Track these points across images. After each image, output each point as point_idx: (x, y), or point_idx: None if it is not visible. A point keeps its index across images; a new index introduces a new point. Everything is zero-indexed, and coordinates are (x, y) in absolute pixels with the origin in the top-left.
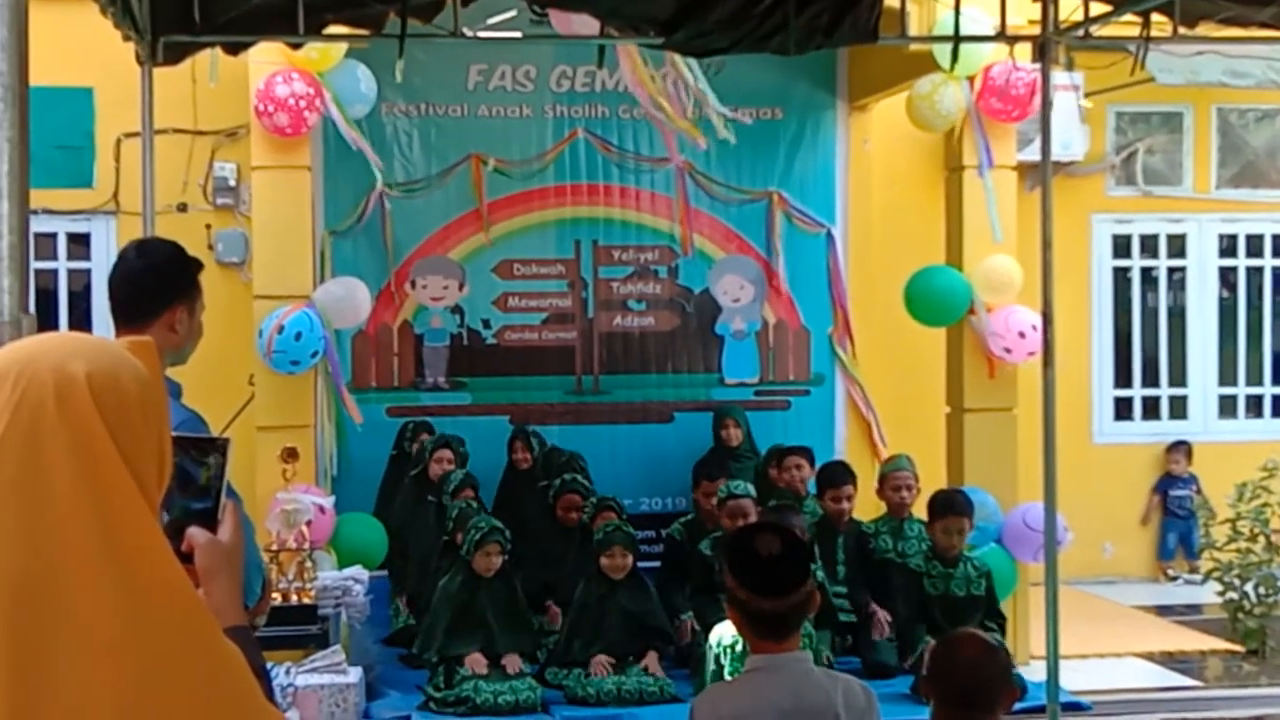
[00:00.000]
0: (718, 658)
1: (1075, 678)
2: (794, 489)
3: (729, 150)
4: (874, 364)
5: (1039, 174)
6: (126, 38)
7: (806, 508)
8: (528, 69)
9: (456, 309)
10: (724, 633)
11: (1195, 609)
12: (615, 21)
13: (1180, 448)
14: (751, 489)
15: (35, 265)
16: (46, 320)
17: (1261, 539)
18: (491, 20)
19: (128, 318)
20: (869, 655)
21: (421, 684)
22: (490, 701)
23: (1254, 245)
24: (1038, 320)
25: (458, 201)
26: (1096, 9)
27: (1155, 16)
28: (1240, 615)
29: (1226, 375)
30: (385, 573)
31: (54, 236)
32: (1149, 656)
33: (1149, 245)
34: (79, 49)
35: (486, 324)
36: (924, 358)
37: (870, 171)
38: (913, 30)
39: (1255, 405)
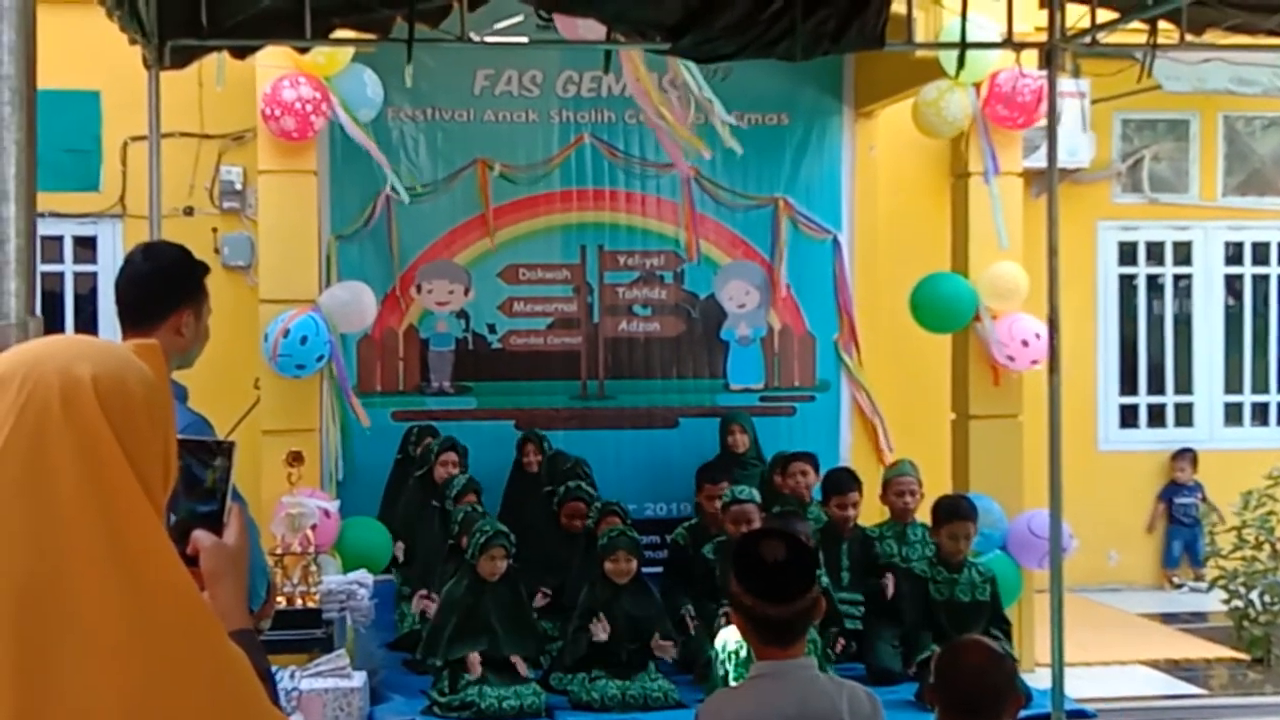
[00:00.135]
0: (723, 663)
1: (1080, 685)
2: (799, 495)
3: (735, 156)
4: (879, 370)
5: (1045, 181)
6: (133, 41)
7: (810, 514)
8: (534, 74)
9: (462, 313)
10: (729, 638)
11: (1200, 617)
12: (621, 27)
13: (1185, 455)
14: (756, 494)
15: (42, 268)
16: (53, 323)
17: (1267, 547)
18: (498, 25)
19: (134, 321)
20: (873, 661)
21: (426, 688)
22: (494, 706)
23: (1260, 253)
24: (1041, 329)
25: (464, 206)
26: (1103, 16)
27: (1162, 24)
28: (1245, 623)
29: (1232, 383)
30: (390, 576)
31: (60, 239)
32: (1154, 664)
33: (1155, 252)
34: (86, 53)
35: (492, 329)
36: (929, 364)
37: (876, 178)
38: (919, 37)
39: (1261, 413)
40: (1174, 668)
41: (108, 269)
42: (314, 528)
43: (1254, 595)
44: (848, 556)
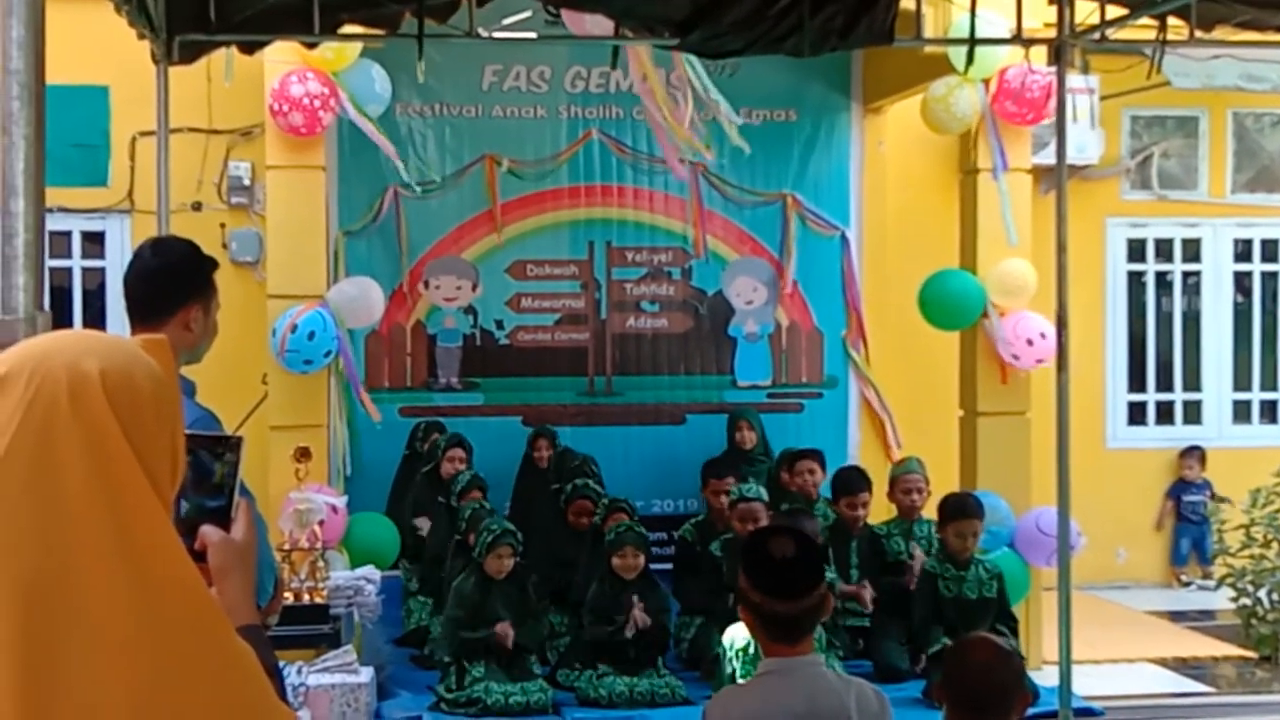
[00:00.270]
0: (730, 660)
1: (1088, 683)
2: (805, 493)
3: (743, 152)
4: (888, 367)
5: (1054, 177)
6: (142, 36)
7: (817, 511)
8: (542, 70)
9: (470, 309)
10: (736, 635)
11: (1208, 615)
12: (630, 22)
13: (1194, 453)
14: (763, 492)
15: (50, 263)
16: (61, 318)
17: (1275, 545)
18: (506, 20)
19: (143, 316)
20: (881, 659)
21: (433, 684)
22: (501, 702)
23: (1269, 250)
24: (1047, 328)
25: (472, 202)
26: (1113, 12)
27: (1171, 20)
28: (1254, 621)
29: (1241, 380)
30: (397, 572)
31: (69, 234)
32: (1162, 662)
33: (1164, 249)
34: (95, 48)
35: (499, 324)
36: (938, 361)
37: (885, 174)
38: (928, 32)
39: (1269, 410)
40: (1182, 666)
41: (116, 264)
42: (321, 523)
43: (1262, 593)
44: (857, 555)
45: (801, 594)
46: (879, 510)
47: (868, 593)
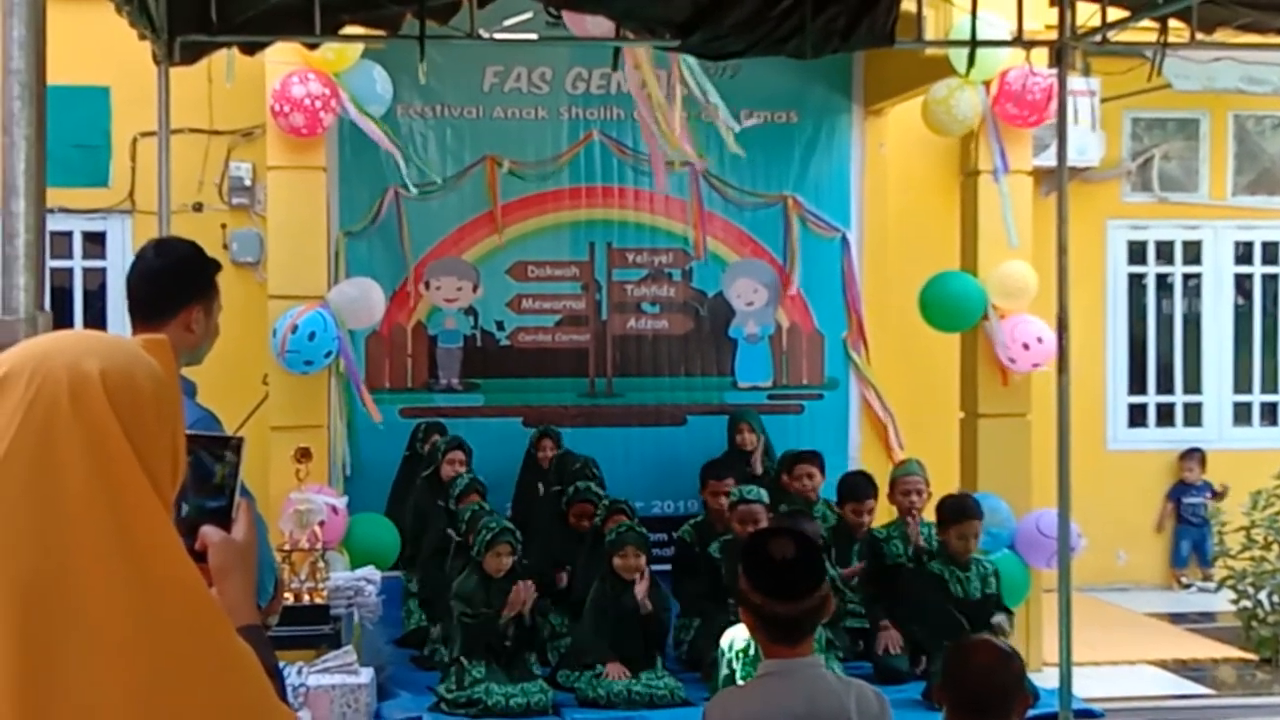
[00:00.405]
0: (730, 661)
1: (1088, 685)
2: (805, 497)
3: (744, 154)
4: (888, 369)
5: (1055, 179)
6: (143, 37)
7: (816, 513)
8: (543, 71)
9: (470, 310)
10: (736, 636)
11: (1209, 617)
12: (630, 24)
13: (1193, 455)
14: (764, 494)
15: (51, 263)
16: (62, 319)
17: (1275, 547)
18: (508, 22)
19: (144, 316)
20: (881, 660)
21: (433, 685)
22: (501, 703)
23: (1269, 252)
24: (1044, 332)
25: (472, 203)
26: (1114, 14)
27: (1173, 22)
28: (1254, 623)
29: (1241, 382)
30: (397, 573)
31: (70, 235)
32: (1162, 664)
33: (1164, 251)
34: (96, 48)
35: (500, 326)
36: (938, 363)
37: (885, 176)
38: (929, 34)
39: (1270, 413)
40: (1182, 668)
41: (117, 264)
42: (322, 524)
43: (1262, 595)
44: (858, 558)
45: (802, 595)
46: (880, 512)
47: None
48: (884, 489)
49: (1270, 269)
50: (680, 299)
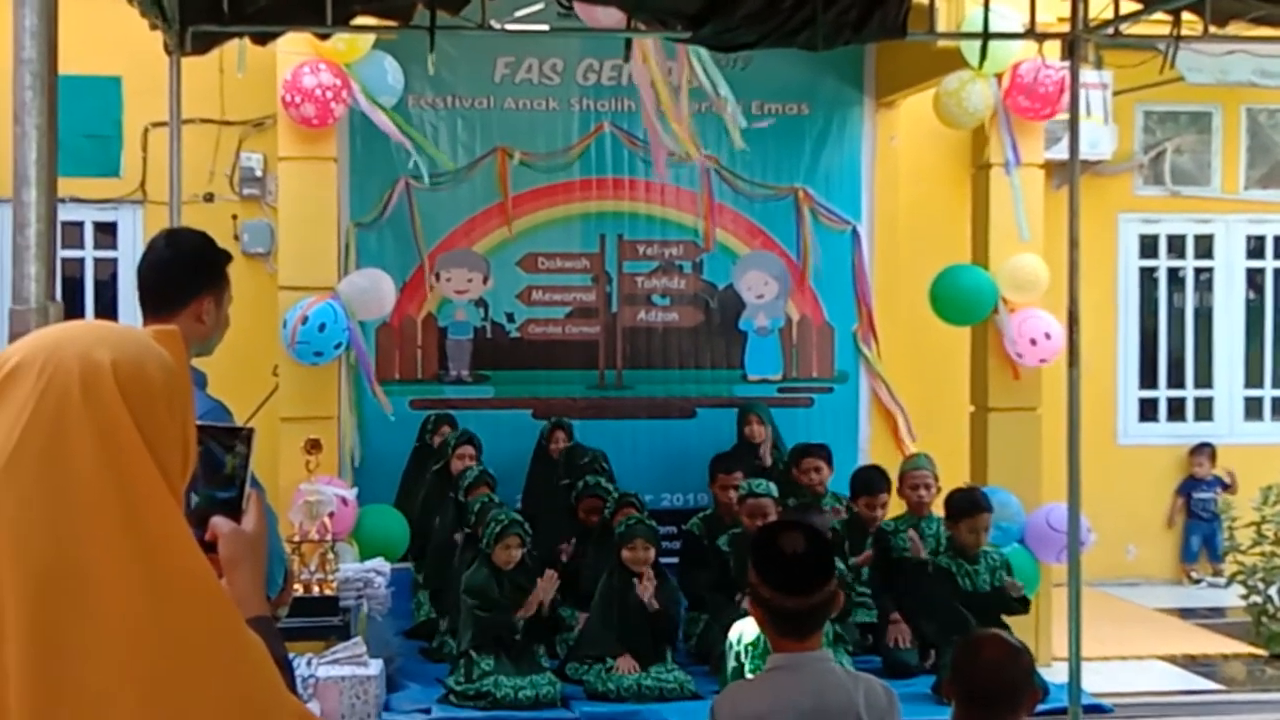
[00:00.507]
0: (738, 655)
1: (1097, 680)
2: (812, 490)
3: (755, 146)
4: (898, 362)
5: (1066, 172)
6: (154, 27)
7: (824, 505)
8: (554, 62)
9: (480, 302)
10: (744, 630)
11: (1218, 612)
12: (642, 15)
13: (1204, 450)
14: (773, 488)
15: (62, 253)
16: (73, 308)
17: None
18: (519, 13)
19: (155, 307)
20: (890, 654)
21: (442, 677)
22: (510, 696)
23: None
24: (1051, 327)
25: (483, 194)
26: (1127, 7)
27: (1185, 15)
28: (1264, 619)
29: (1253, 377)
30: (407, 565)
31: (81, 225)
32: (1171, 659)
33: (1176, 245)
34: (108, 38)
35: (510, 317)
36: (948, 356)
37: (896, 168)
38: (941, 27)
39: None
40: (1191, 663)
41: (128, 254)
42: (331, 515)
43: (1272, 591)
44: (871, 550)
45: (811, 590)
46: (890, 506)
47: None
48: (894, 483)
49: None
50: (690, 291)
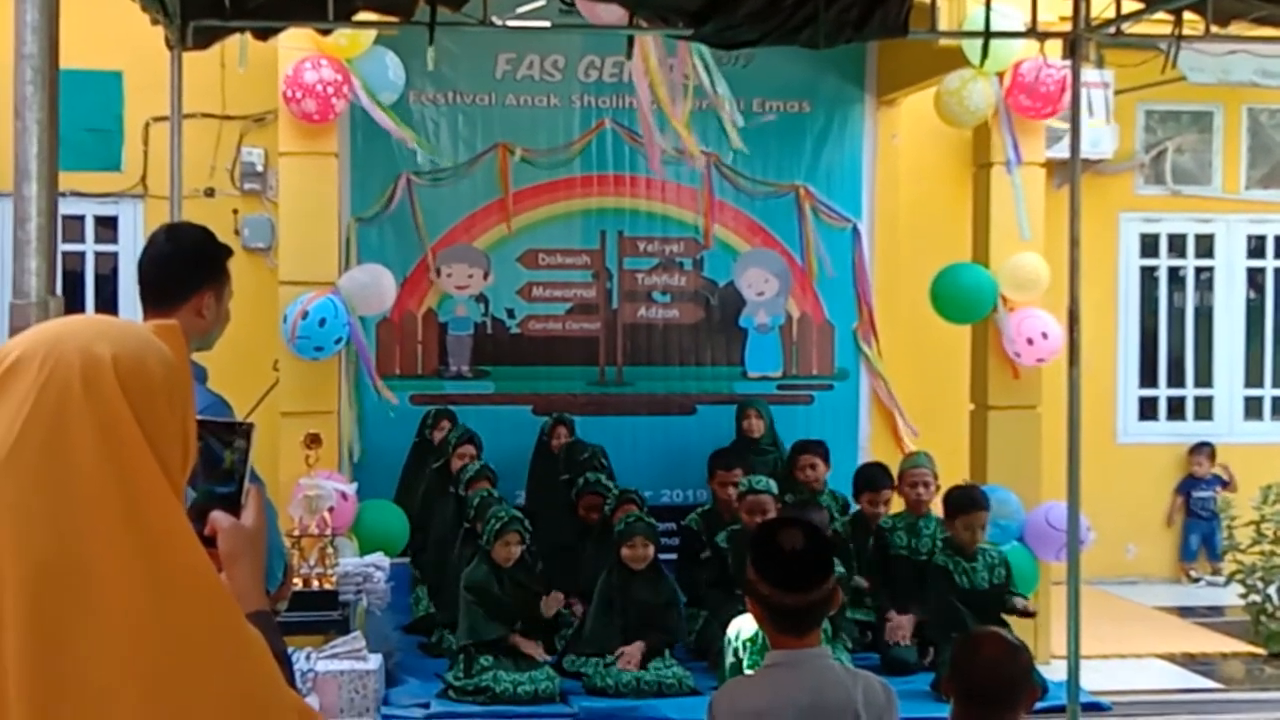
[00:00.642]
0: (736, 651)
1: (1096, 678)
2: (809, 487)
3: (756, 143)
4: (898, 360)
5: (1067, 171)
6: (156, 22)
7: (821, 503)
8: (556, 59)
9: (481, 298)
10: (743, 626)
11: (1217, 611)
12: (643, 12)
13: (1203, 449)
14: (773, 485)
15: (63, 247)
16: (73, 302)
17: None
18: (520, 9)
19: (155, 301)
20: (888, 651)
21: (441, 672)
22: (509, 691)
23: None
24: (1049, 326)
25: (484, 190)
26: (1128, 6)
27: (1187, 15)
28: (1263, 618)
29: (1253, 377)
30: (406, 560)
31: (82, 219)
32: (1170, 658)
33: (1177, 245)
34: (109, 32)
35: (511, 313)
36: (948, 354)
37: (897, 166)
38: (943, 25)
39: None
40: (1190, 661)
41: (128, 249)
42: (331, 510)
43: (1271, 590)
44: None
45: (810, 587)
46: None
47: (902, 627)
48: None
49: None
50: (691, 288)
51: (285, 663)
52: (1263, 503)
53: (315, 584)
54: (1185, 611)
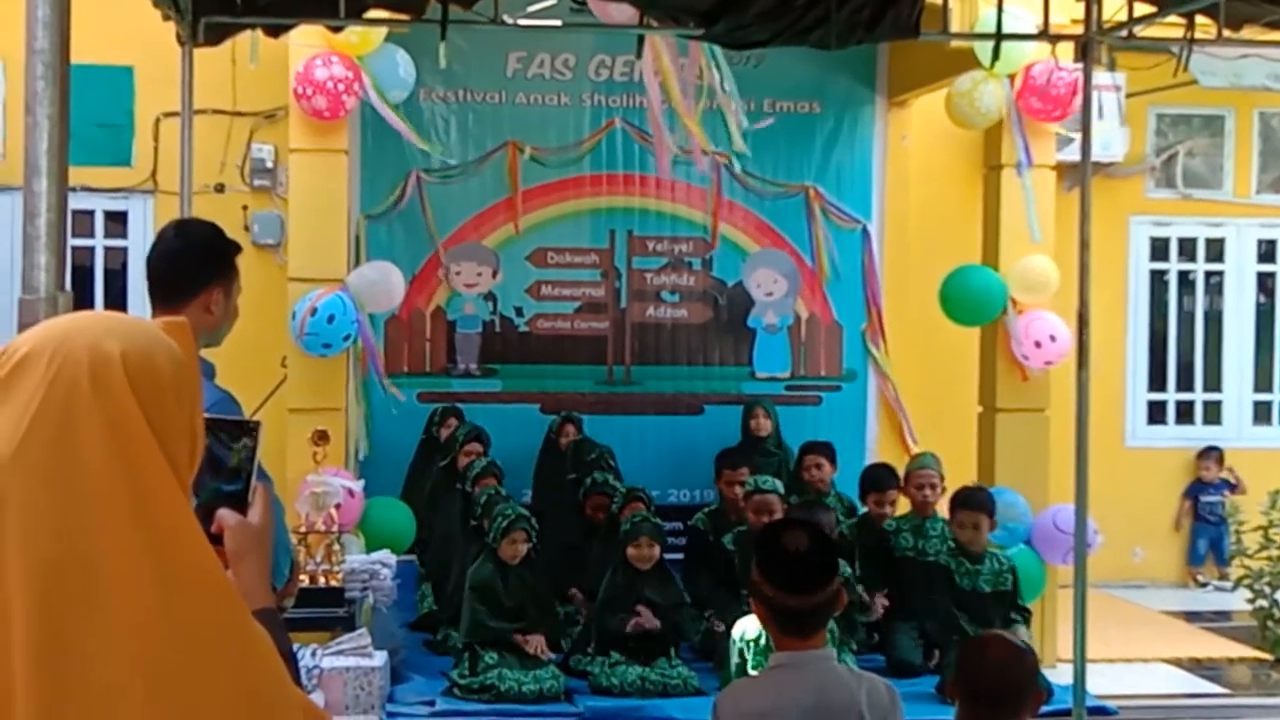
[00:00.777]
0: (741, 651)
1: (1102, 682)
2: (815, 487)
3: (766, 143)
4: (907, 361)
5: (1078, 174)
6: (167, 17)
7: (827, 504)
8: (566, 57)
9: (490, 296)
10: (747, 627)
11: (1224, 616)
12: (654, 11)
13: (1211, 454)
14: (779, 485)
15: (73, 242)
16: (83, 298)
17: None
18: (532, 8)
19: (164, 297)
20: (893, 653)
21: (446, 669)
22: (514, 689)
23: None
24: (1058, 329)
25: (493, 188)
26: (1140, 9)
27: (1199, 18)
28: (1270, 623)
29: (1262, 381)
30: (413, 557)
31: (92, 214)
32: (1176, 662)
33: (1187, 248)
34: (120, 28)
35: (519, 311)
36: (957, 356)
37: (908, 168)
38: (954, 27)
39: None
40: (1197, 666)
41: (138, 244)
42: (338, 507)
43: (1279, 595)
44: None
45: (814, 588)
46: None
47: (879, 601)
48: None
49: None
50: (700, 288)
51: (290, 660)
52: (1271, 508)
53: (321, 581)
54: (1192, 616)
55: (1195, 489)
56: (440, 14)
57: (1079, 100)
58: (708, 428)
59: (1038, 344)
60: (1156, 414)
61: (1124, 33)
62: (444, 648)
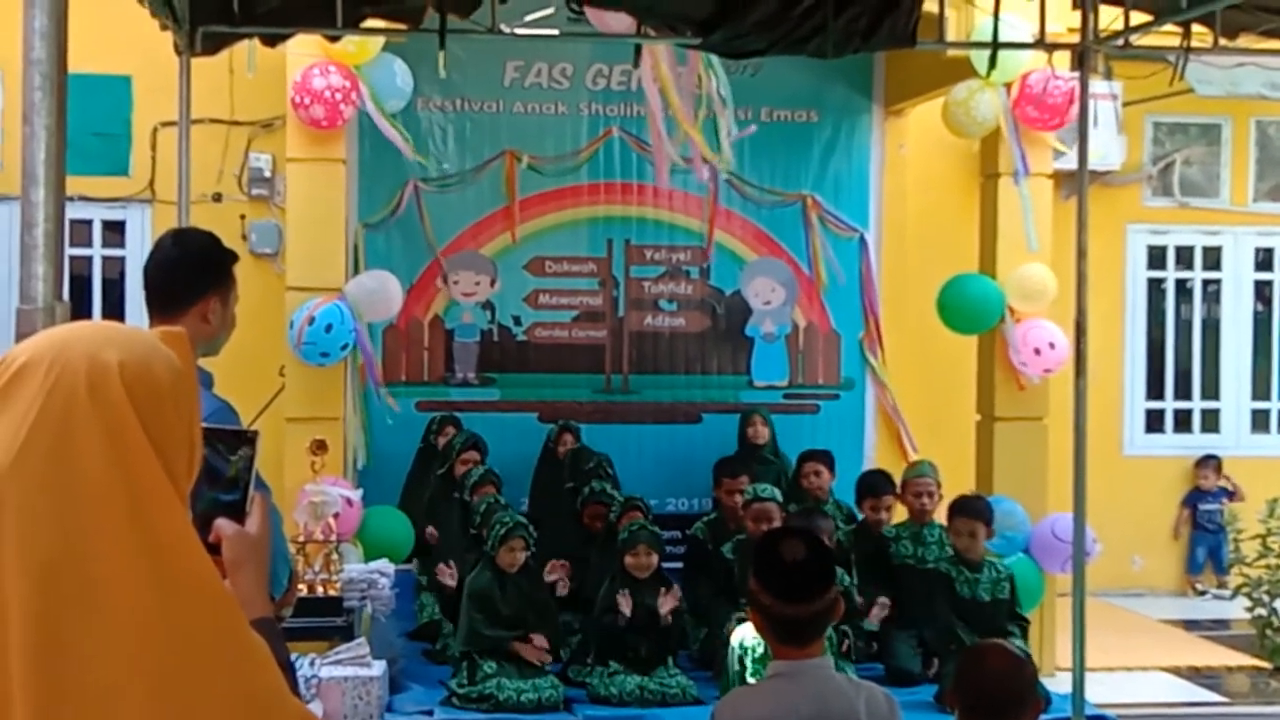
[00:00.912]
0: (740, 659)
1: (1100, 690)
2: (814, 495)
3: (763, 152)
4: (905, 370)
5: (1075, 183)
6: (165, 27)
7: (826, 511)
8: (564, 66)
9: (487, 305)
10: (746, 635)
11: (1223, 624)
12: (652, 20)
13: (1209, 462)
14: (777, 493)
15: (70, 252)
16: (80, 307)
17: None
18: (529, 17)
19: (162, 307)
20: (892, 662)
21: (445, 678)
22: (513, 699)
23: None
24: (1056, 338)
25: (491, 197)
26: (1137, 18)
27: (1196, 27)
28: (1268, 632)
29: (1259, 389)
30: (410, 566)
31: (89, 223)
32: (1175, 671)
33: (1184, 257)
34: (118, 37)
35: (517, 320)
36: (955, 365)
37: (905, 176)
38: (951, 36)
39: None
40: (1195, 675)
41: (136, 253)
42: (336, 516)
43: (1277, 603)
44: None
45: (812, 597)
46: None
47: (877, 609)
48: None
49: None
50: (697, 297)
51: (288, 670)
52: (1269, 516)
53: (320, 590)
54: (1191, 624)
55: (1193, 497)
56: (438, 23)
57: (1075, 109)
58: (705, 436)
59: (1036, 352)
60: (1154, 422)
61: (1120, 41)
62: (443, 657)
